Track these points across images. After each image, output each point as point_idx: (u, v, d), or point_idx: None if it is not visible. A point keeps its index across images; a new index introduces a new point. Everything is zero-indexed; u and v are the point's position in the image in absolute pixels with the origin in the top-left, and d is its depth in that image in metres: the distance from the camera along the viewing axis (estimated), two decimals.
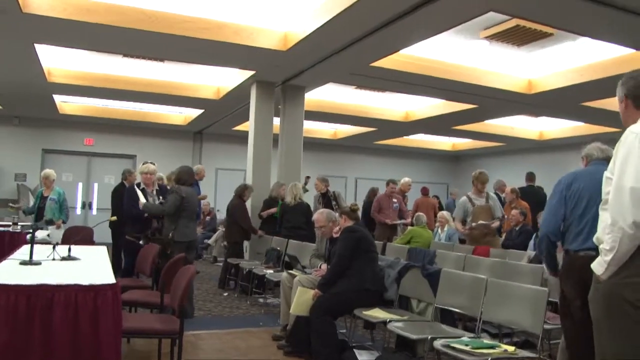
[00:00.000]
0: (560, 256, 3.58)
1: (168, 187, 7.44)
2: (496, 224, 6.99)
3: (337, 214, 5.60)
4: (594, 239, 2.53)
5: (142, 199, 6.30)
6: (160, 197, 6.51)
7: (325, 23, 6.39)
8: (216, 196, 15.27)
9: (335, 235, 5.20)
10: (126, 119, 13.90)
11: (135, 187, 6.88)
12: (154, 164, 6.73)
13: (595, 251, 2.49)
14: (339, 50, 7.47)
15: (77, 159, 14.88)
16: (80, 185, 14.94)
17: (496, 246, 6.93)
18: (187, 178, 6.18)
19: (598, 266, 2.38)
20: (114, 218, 6.14)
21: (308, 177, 9.36)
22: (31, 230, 7.52)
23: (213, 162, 15.61)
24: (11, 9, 6.26)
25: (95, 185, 15.05)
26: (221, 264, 10.87)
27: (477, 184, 6.98)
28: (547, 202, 3.68)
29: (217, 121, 13.69)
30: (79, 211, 14.62)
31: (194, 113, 13.04)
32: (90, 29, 6.86)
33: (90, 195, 15.02)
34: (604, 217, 2.40)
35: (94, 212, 14.89)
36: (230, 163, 15.76)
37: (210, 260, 11.41)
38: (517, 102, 9.97)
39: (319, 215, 5.41)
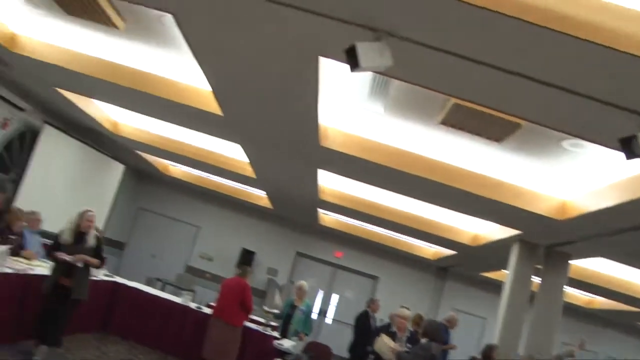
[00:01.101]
0: None
1: (413, 331, 7.41)
2: None
3: None
4: None
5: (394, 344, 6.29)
6: (408, 345, 6.44)
7: (617, 204, 5.92)
8: None
9: None
10: (375, 240, 14.34)
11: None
12: (408, 309, 6.78)
13: None
14: (623, 231, 6.83)
15: (324, 267, 15.75)
16: (321, 292, 15.68)
17: None
18: (435, 335, 6.04)
19: None
20: None
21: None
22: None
23: (452, 301, 15.20)
24: (311, 141, 7.12)
25: (336, 296, 15.69)
26: None
27: None
28: None
29: (467, 264, 13.43)
30: (315, 316, 15.23)
31: (445, 251, 12.99)
32: (369, 167, 7.36)
33: (327, 304, 15.66)
34: None
35: (329, 320, 15.44)
36: (470, 307, 15.17)
37: None
38: None
39: None
